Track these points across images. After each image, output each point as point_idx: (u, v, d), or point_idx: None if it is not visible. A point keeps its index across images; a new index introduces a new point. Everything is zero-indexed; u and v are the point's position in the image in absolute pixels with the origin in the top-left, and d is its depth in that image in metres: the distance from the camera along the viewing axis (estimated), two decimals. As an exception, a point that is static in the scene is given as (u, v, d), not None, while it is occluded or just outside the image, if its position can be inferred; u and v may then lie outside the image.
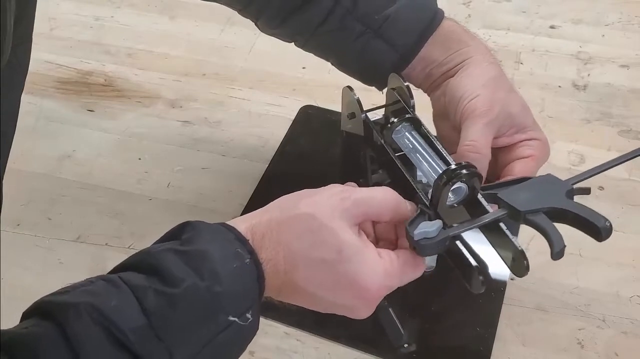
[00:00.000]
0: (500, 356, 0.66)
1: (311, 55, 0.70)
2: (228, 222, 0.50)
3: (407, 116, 0.62)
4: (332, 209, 0.49)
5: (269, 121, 0.90)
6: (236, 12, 0.71)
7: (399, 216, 0.53)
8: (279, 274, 0.49)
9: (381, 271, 0.50)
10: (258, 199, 0.78)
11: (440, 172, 0.53)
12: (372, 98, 0.69)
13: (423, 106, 0.66)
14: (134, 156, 0.87)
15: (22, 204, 0.80)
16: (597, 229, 0.49)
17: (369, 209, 0.51)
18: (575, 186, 0.53)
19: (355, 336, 0.68)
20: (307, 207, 0.50)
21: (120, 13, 1.08)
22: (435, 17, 0.64)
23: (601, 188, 0.80)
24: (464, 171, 0.52)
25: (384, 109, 0.67)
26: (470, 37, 0.65)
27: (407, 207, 0.53)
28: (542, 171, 0.65)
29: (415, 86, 0.67)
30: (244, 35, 1.02)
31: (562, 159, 0.84)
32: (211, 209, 0.80)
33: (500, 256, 0.53)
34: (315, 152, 0.85)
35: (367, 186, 0.66)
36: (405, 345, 0.55)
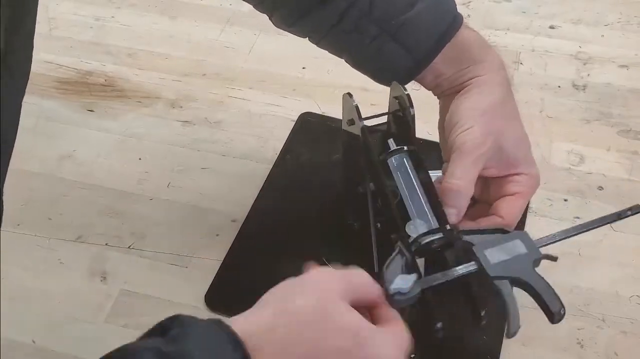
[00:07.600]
0: (500, 356, 0.66)
1: (311, 55, 0.71)
2: (225, 321, 0.44)
3: (405, 148, 0.62)
4: (335, 294, 0.46)
5: (269, 121, 0.90)
6: (236, 13, 0.71)
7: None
8: None
9: (395, 347, 0.47)
10: (256, 215, 0.78)
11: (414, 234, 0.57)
12: (372, 98, 0.69)
13: (426, 110, 0.66)
14: (134, 156, 0.87)
15: (22, 204, 0.80)
16: (550, 313, 0.53)
17: (361, 291, 0.49)
18: (544, 253, 0.55)
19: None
20: (311, 297, 0.46)
21: (120, 13, 1.08)
22: (454, 22, 0.63)
23: (601, 188, 0.80)
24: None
25: (383, 115, 0.67)
26: (485, 51, 0.64)
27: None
28: (541, 173, 0.65)
29: (427, 89, 0.67)
30: (244, 35, 1.02)
31: (562, 159, 0.84)
32: (211, 209, 0.80)
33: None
34: (315, 160, 0.84)
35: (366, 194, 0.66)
36: (412, 355, 0.54)
